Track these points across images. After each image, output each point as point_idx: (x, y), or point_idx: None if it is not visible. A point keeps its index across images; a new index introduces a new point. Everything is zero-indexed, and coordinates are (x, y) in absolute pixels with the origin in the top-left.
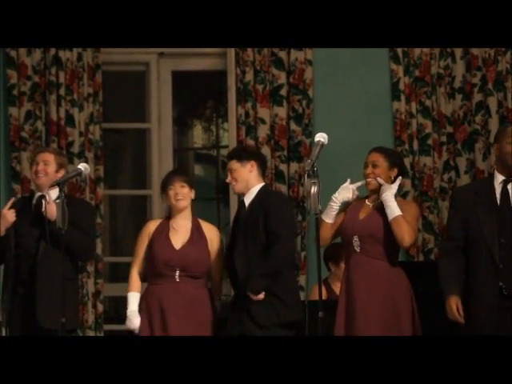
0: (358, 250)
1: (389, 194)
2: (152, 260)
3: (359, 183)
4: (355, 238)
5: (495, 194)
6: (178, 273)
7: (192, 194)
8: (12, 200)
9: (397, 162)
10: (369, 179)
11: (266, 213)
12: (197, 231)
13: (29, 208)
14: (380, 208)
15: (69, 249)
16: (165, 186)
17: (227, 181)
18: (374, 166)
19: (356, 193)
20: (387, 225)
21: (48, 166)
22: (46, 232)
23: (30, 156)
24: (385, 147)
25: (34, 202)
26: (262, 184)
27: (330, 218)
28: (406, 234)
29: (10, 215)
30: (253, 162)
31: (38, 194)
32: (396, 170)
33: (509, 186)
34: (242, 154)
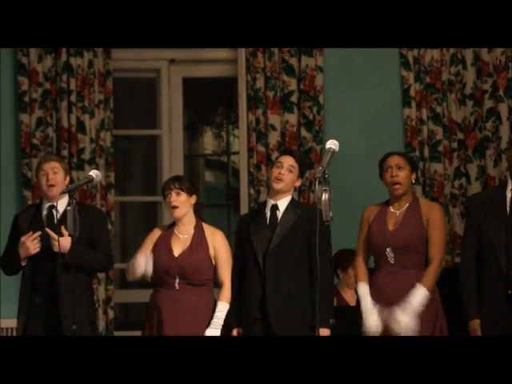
0: (393, 262)
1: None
2: (154, 267)
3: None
4: (388, 250)
5: (505, 202)
6: (177, 280)
7: (192, 200)
8: (38, 233)
9: (416, 166)
10: (397, 184)
11: (310, 234)
12: (198, 238)
13: (39, 219)
14: (408, 214)
15: (89, 270)
16: (163, 192)
17: (282, 172)
18: (400, 168)
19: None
20: (420, 233)
21: (57, 174)
22: (59, 261)
23: (36, 166)
24: (403, 152)
25: (45, 212)
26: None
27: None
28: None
29: (33, 247)
30: (301, 180)
31: (48, 204)
32: (415, 174)
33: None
34: (304, 166)
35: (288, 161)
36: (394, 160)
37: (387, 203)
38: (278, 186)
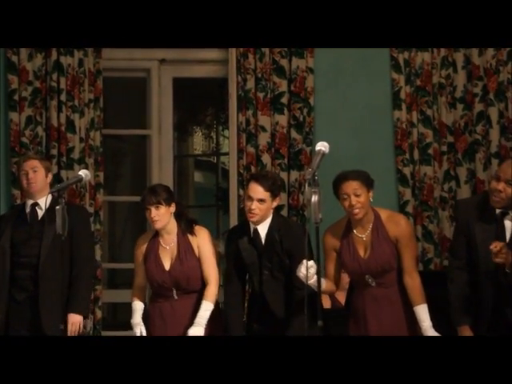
0: (374, 285)
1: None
2: (148, 281)
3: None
4: (367, 277)
5: (495, 223)
6: (174, 291)
7: (172, 209)
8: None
9: (371, 183)
10: (357, 210)
11: (288, 250)
12: (183, 245)
13: (23, 217)
14: (376, 237)
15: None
16: (142, 206)
17: (253, 207)
18: (357, 194)
19: None
20: (393, 252)
21: (37, 172)
22: None
23: (17, 165)
24: (356, 171)
25: (28, 210)
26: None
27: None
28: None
29: None
30: (278, 199)
31: (31, 202)
32: (372, 193)
33: (506, 221)
34: (277, 189)
35: (257, 193)
36: (351, 186)
37: (349, 225)
38: (252, 219)
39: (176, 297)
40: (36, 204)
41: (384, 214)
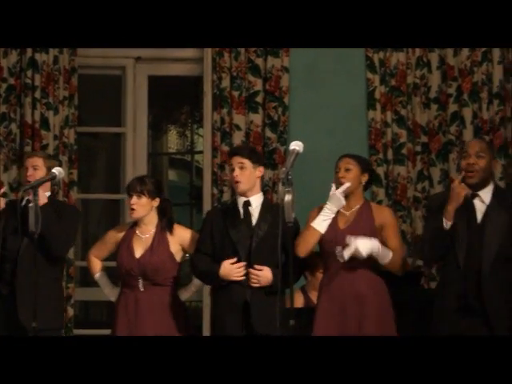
0: (341, 261)
1: (375, 247)
2: (118, 268)
3: (344, 187)
4: (338, 249)
5: (465, 207)
6: (141, 282)
7: (155, 203)
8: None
9: (368, 167)
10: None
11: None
12: (159, 237)
13: (16, 211)
14: (359, 215)
15: (46, 238)
16: (126, 192)
17: (235, 174)
18: (347, 170)
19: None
20: (369, 233)
21: (37, 170)
22: (26, 230)
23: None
24: (357, 155)
25: (23, 203)
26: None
27: (322, 228)
28: (400, 268)
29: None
30: (262, 169)
31: (26, 197)
32: (367, 176)
33: (476, 202)
34: (255, 156)
35: (236, 162)
36: (345, 161)
37: None
38: (239, 188)
39: (142, 288)
40: (29, 201)
41: (374, 204)
